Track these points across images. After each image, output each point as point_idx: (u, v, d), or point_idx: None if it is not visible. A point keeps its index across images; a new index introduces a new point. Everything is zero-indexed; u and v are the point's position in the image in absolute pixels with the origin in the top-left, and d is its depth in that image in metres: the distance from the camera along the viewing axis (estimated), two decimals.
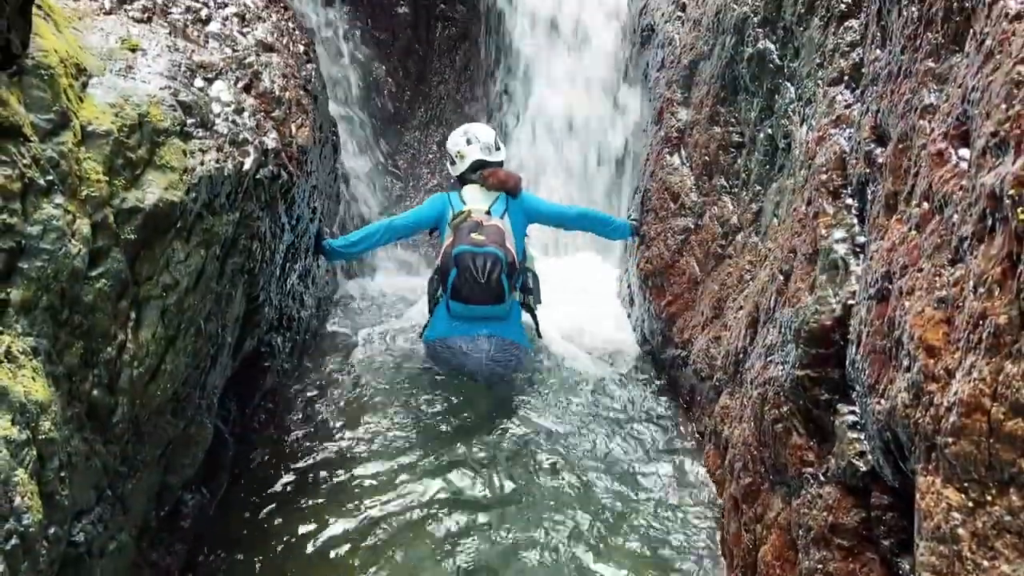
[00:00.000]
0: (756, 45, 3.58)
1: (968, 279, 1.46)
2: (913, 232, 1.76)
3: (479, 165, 4.36)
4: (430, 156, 6.56)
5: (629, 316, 5.19)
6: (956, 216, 1.57)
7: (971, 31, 1.75)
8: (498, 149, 4.48)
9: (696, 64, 4.42)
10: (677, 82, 4.62)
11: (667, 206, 4.42)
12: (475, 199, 4.25)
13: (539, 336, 4.43)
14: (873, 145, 2.28)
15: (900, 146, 2.01)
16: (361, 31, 6.10)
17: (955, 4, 1.83)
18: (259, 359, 3.63)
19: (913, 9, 2.04)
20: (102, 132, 2.20)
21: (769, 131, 3.50)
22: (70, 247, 1.96)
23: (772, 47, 3.48)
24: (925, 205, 1.73)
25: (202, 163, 2.57)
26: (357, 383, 4.06)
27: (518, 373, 4.17)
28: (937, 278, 1.59)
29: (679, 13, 4.89)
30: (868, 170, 2.30)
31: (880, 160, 2.21)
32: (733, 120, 3.91)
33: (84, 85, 2.27)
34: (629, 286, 5.16)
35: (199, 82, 2.87)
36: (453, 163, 4.51)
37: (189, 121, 2.63)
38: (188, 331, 2.52)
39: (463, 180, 4.45)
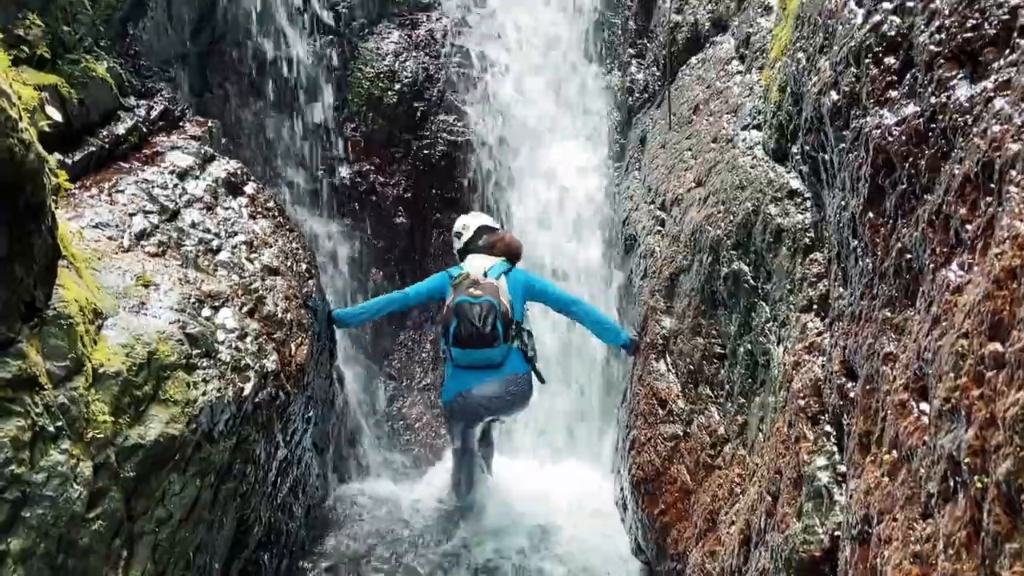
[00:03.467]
0: (731, 266, 3.82)
1: (938, 537, 1.52)
2: (886, 479, 1.84)
3: (485, 230, 4.79)
4: (423, 355, 6.71)
5: (623, 521, 5.12)
6: (923, 471, 1.65)
7: (920, 290, 1.92)
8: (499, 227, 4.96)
9: (676, 276, 4.67)
10: (660, 291, 4.85)
11: (655, 411, 4.51)
12: (475, 266, 4.58)
13: (542, 382, 4.70)
14: (844, 379, 2.41)
15: (868, 387, 2.13)
16: (361, 240, 6.45)
17: (903, 263, 2.02)
18: None
19: (868, 261, 2.24)
20: (112, 373, 2.32)
21: (749, 346, 3.66)
22: (71, 492, 2.01)
23: (746, 269, 3.72)
24: (895, 453, 1.83)
25: (204, 393, 2.68)
26: None
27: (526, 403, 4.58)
28: (911, 531, 1.65)
29: (658, 227, 5.22)
30: (842, 402, 2.41)
31: (852, 395, 2.32)
32: (714, 332, 4.08)
33: (99, 328, 2.41)
34: (622, 489, 5.13)
35: (206, 311, 3.04)
36: (459, 236, 4.87)
37: (194, 352, 2.76)
38: (177, 565, 2.51)
39: (467, 251, 4.78)
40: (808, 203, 3.28)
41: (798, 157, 3.32)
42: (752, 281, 3.67)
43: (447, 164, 6.94)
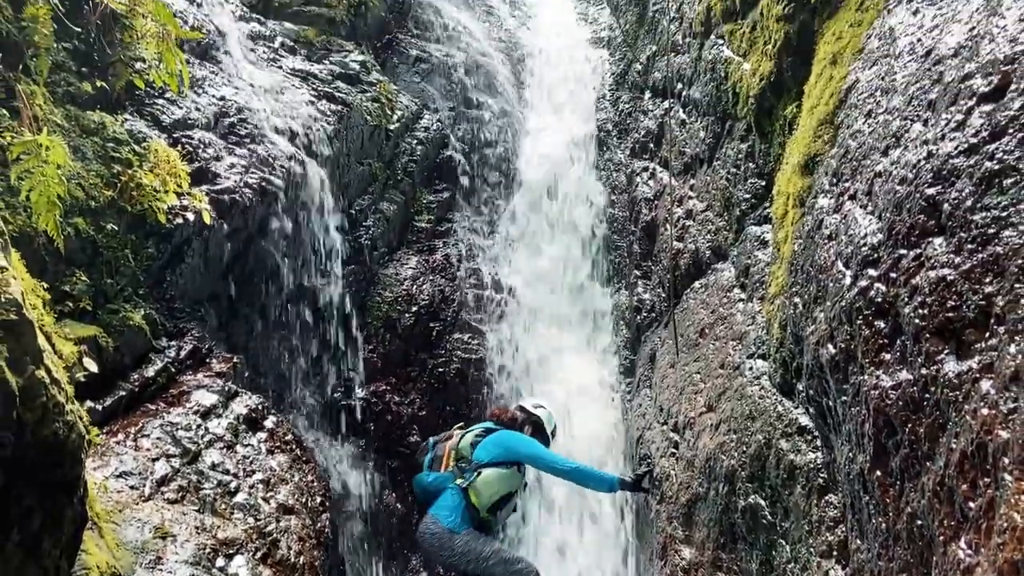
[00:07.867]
0: (748, 499, 3.80)
1: None
2: None
3: (518, 408, 5.05)
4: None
5: None
6: None
7: (934, 559, 1.93)
8: (537, 407, 4.98)
9: (694, 503, 4.62)
10: (677, 519, 4.78)
11: None
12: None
13: (454, 532, 4.23)
14: None
15: None
16: (374, 461, 6.45)
17: (915, 529, 2.04)
18: None
19: (880, 521, 2.26)
20: None
21: None
22: None
23: (763, 503, 3.69)
24: None
25: None
26: None
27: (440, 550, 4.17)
28: None
29: (672, 450, 5.23)
30: None
31: None
32: (736, 568, 3.98)
33: None
34: None
35: (220, 561, 3.02)
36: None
37: None
38: None
39: None
40: (818, 441, 3.33)
41: (803, 396, 3.41)
42: (770, 517, 3.64)
43: (460, 380, 7.09)
